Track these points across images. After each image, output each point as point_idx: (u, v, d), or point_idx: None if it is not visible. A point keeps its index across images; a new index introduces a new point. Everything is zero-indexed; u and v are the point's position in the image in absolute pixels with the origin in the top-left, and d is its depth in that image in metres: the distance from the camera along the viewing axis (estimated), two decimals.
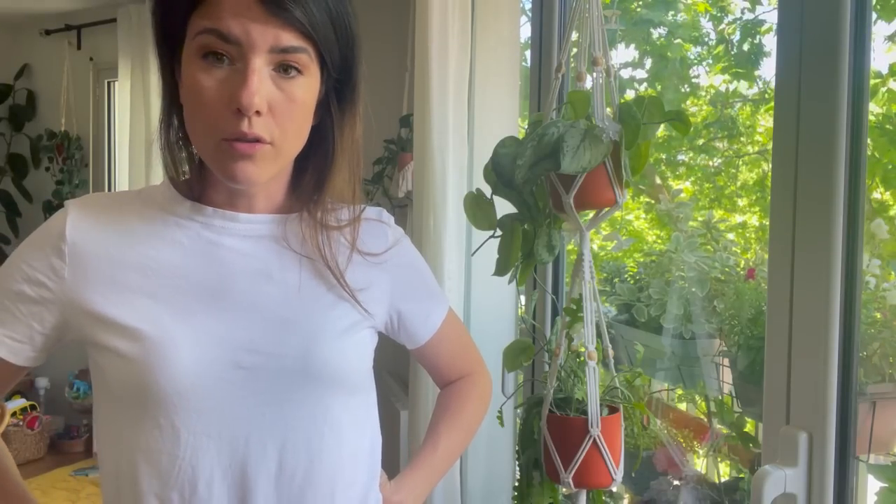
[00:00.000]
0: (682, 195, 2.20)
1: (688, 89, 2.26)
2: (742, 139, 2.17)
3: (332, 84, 0.90)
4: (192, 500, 0.87)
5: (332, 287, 0.94)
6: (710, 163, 2.26)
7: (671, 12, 2.24)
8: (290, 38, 0.81)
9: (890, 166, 1.55)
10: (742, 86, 2.12)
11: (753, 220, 2.10)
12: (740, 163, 2.22)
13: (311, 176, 0.94)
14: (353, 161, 0.94)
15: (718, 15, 2.17)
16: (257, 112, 0.81)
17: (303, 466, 0.90)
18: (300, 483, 0.90)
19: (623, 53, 2.28)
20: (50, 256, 0.88)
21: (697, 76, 2.23)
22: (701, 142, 2.25)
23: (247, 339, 0.88)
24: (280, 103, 0.82)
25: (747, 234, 2.07)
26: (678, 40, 2.19)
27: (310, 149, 0.91)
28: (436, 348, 1.12)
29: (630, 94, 2.22)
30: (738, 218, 2.19)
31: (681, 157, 2.32)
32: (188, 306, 0.87)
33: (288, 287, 0.92)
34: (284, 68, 0.82)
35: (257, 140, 0.82)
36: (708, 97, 2.21)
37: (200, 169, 0.91)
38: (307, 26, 0.81)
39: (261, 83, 0.80)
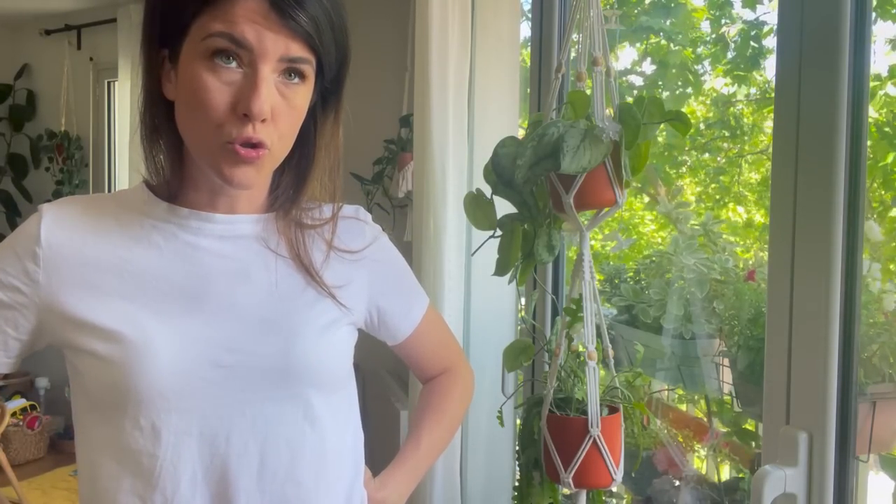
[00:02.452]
0: (685, 196, 2.20)
1: (689, 90, 2.26)
2: (745, 138, 2.17)
3: (321, 91, 0.91)
4: (175, 500, 0.87)
5: (309, 284, 0.94)
6: (715, 162, 2.26)
7: (671, 19, 2.24)
8: (298, 49, 0.83)
9: (892, 171, 1.55)
10: (742, 90, 2.12)
11: (757, 218, 2.10)
12: (743, 162, 2.22)
13: (289, 176, 0.95)
14: (333, 164, 0.95)
15: (718, 14, 2.17)
16: (262, 119, 0.82)
17: (284, 464, 0.90)
18: (282, 480, 0.90)
19: (623, 58, 2.28)
20: (24, 261, 0.87)
21: (704, 73, 2.23)
22: (703, 141, 2.25)
23: (226, 338, 0.88)
24: (282, 110, 0.84)
25: (749, 234, 2.07)
26: (678, 47, 2.19)
27: (291, 150, 0.92)
28: (417, 344, 1.12)
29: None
30: (740, 212, 2.19)
31: (683, 157, 2.32)
32: (166, 308, 0.87)
33: (266, 286, 0.92)
34: (289, 73, 0.84)
35: (260, 145, 0.83)
36: (710, 99, 2.21)
37: (180, 168, 0.91)
38: (315, 38, 0.83)
39: (269, 91, 0.82)
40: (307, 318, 0.93)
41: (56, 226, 0.88)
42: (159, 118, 0.89)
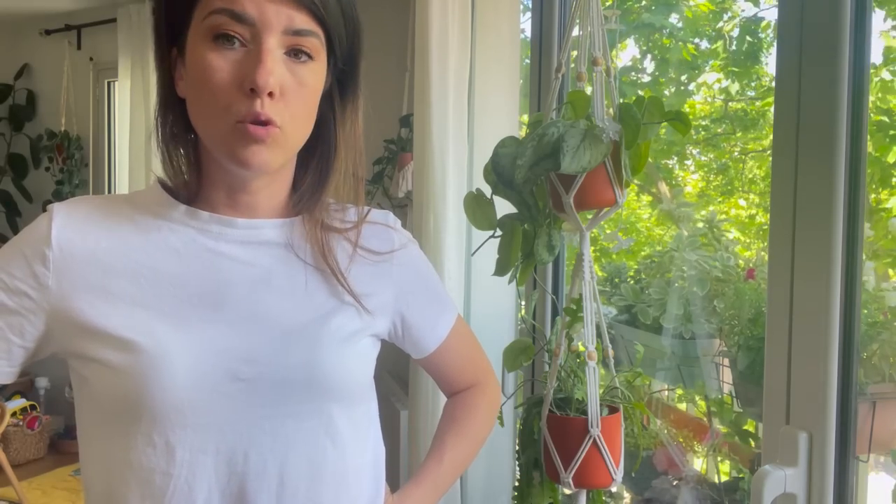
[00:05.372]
0: (687, 195, 2.20)
1: (692, 87, 2.26)
2: (749, 133, 2.17)
3: (337, 75, 0.89)
4: None
5: (334, 294, 0.90)
6: (723, 155, 2.25)
7: (673, 15, 2.24)
8: (302, 21, 0.80)
9: (888, 165, 1.55)
10: (735, 86, 2.12)
11: (759, 217, 2.10)
12: (746, 158, 2.22)
13: (312, 173, 0.92)
14: (355, 158, 0.92)
15: (718, 11, 2.17)
16: (270, 94, 0.79)
17: (305, 482, 0.86)
18: (303, 499, 0.86)
19: (625, 55, 2.28)
20: (33, 264, 0.82)
21: (707, 69, 2.23)
22: (704, 136, 2.25)
23: (245, 349, 0.84)
24: (291, 87, 0.81)
25: (751, 231, 2.07)
26: (680, 42, 2.20)
27: (312, 145, 0.89)
28: (443, 358, 1.07)
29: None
30: (741, 206, 2.19)
31: (688, 150, 2.32)
32: (184, 316, 0.83)
33: (288, 295, 0.88)
34: (296, 53, 0.81)
35: (269, 122, 0.80)
36: (711, 95, 2.21)
37: (198, 167, 0.88)
38: (320, 8, 0.81)
39: (275, 64, 0.79)
40: (330, 328, 0.88)
41: (68, 227, 0.84)
42: (175, 118, 0.87)
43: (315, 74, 0.84)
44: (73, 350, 0.84)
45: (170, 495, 0.82)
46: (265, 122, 0.80)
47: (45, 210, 0.88)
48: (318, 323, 0.88)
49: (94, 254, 0.84)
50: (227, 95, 0.79)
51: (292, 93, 0.81)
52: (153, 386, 0.80)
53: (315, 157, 0.91)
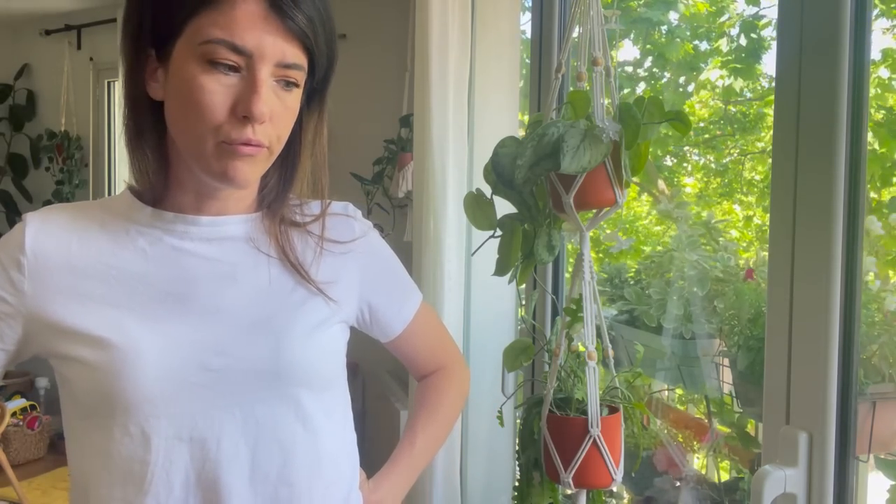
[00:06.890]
0: (686, 195, 2.20)
1: (692, 88, 2.26)
2: (748, 136, 2.17)
3: (307, 90, 0.92)
4: None
5: (299, 284, 0.94)
6: (722, 157, 2.25)
7: (671, 12, 2.24)
8: (293, 55, 0.84)
9: (888, 164, 1.55)
10: (739, 83, 2.12)
11: (756, 220, 2.10)
12: (745, 159, 2.22)
13: (275, 176, 0.95)
14: (319, 162, 0.96)
15: (715, 12, 2.18)
16: (262, 121, 0.83)
17: (277, 466, 0.90)
18: (275, 482, 0.90)
19: (624, 52, 2.28)
20: (9, 270, 0.87)
21: (708, 67, 2.23)
22: (706, 136, 2.25)
23: (214, 341, 0.88)
24: (279, 112, 0.85)
25: (750, 232, 2.07)
26: (678, 39, 2.20)
27: None
28: (410, 341, 1.12)
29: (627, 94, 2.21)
30: (737, 211, 2.19)
31: (685, 152, 2.32)
32: (153, 313, 0.87)
33: (254, 287, 0.92)
34: (285, 82, 0.85)
35: (258, 145, 0.84)
36: (710, 97, 2.21)
37: (165, 170, 0.90)
38: (311, 39, 0.84)
39: (268, 94, 0.83)
40: (296, 317, 0.92)
41: (41, 234, 0.88)
42: (144, 119, 0.88)
43: (296, 98, 0.88)
44: (51, 350, 0.88)
45: (149, 481, 0.86)
46: (256, 145, 0.84)
47: None
48: (285, 312, 0.92)
49: (67, 258, 0.88)
50: (217, 118, 0.82)
51: (279, 116, 0.85)
52: (125, 379, 0.84)
53: (278, 161, 0.94)
